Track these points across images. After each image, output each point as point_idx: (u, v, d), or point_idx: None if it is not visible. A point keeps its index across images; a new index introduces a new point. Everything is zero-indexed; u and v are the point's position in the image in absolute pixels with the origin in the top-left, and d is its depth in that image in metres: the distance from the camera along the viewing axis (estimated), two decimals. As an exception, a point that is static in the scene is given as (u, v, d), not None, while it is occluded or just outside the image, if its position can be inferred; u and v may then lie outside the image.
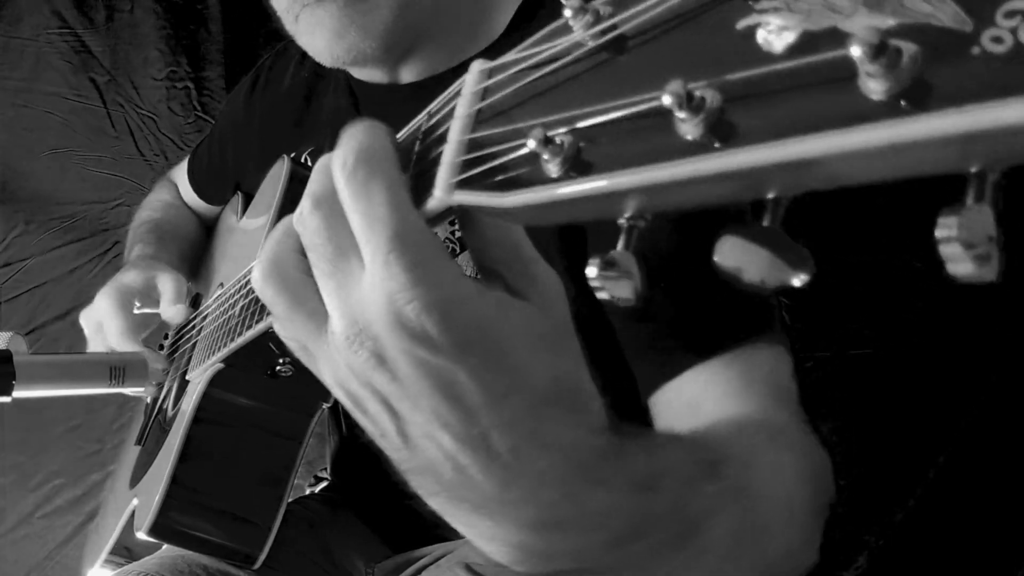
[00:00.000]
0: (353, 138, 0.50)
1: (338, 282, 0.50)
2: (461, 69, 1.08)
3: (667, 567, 0.61)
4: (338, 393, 0.54)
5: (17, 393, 1.11)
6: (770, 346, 0.89)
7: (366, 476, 1.31)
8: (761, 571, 0.70)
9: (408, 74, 1.16)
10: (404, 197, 0.47)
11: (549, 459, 0.51)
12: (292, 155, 1.25)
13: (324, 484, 1.45)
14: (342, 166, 0.49)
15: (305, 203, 0.51)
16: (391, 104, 1.18)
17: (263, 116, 1.42)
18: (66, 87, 2.34)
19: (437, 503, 0.55)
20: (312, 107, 1.33)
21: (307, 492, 1.46)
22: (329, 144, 1.29)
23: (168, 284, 1.32)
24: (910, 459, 1.90)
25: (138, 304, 1.30)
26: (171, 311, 1.29)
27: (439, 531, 1.21)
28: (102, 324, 1.30)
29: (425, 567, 1.16)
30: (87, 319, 1.34)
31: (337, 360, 0.52)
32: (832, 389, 1.94)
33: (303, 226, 0.52)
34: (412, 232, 0.46)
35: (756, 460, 0.71)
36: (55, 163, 2.35)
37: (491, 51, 1.10)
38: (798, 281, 0.35)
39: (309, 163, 1.28)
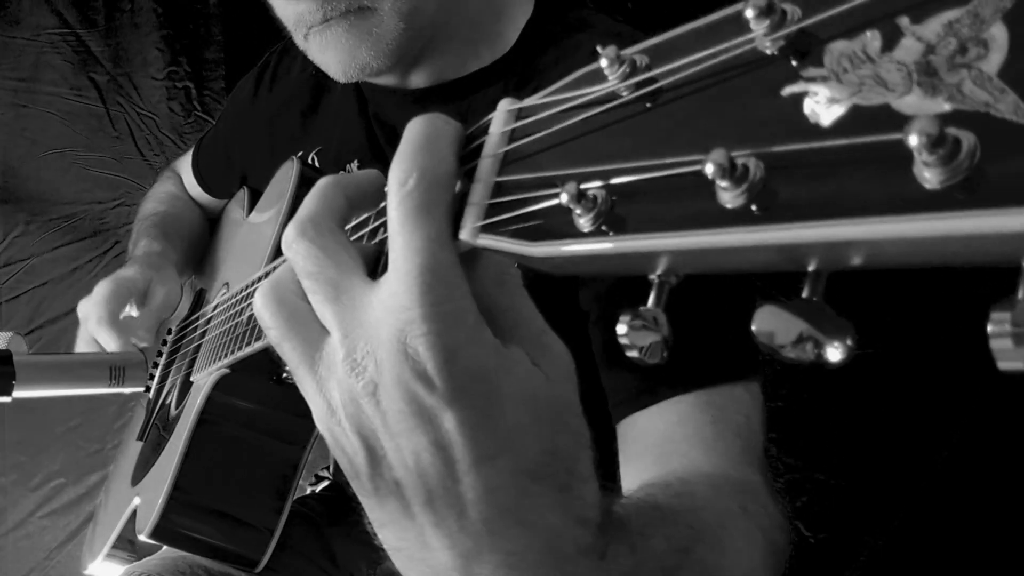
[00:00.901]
0: (421, 153, 0.47)
1: (343, 305, 0.48)
2: (471, 79, 1.08)
3: None
4: (320, 424, 0.51)
5: (17, 393, 1.11)
6: (747, 389, 0.88)
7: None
8: None
9: (418, 80, 1.15)
10: (448, 232, 0.46)
11: (525, 541, 0.47)
12: (300, 155, 1.26)
13: (325, 484, 1.45)
14: (401, 183, 0.47)
15: (292, 230, 0.50)
16: (398, 109, 1.18)
17: (270, 112, 1.42)
18: (66, 87, 2.34)
19: (397, 560, 0.52)
20: (319, 106, 1.33)
21: (308, 492, 1.46)
22: (335, 147, 1.28)
23: (157, 299, 1.32)
24: (911, 459, 1.91)
25: (132, 303, 1.30)
26: (140, 332, 1.29)
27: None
28: (89, 312, 1.29)
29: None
30: (83, 307, 1.33)
31: (330, 386, 0.49)
32: (833, 389, 1.94)
33: (294, 251, 0.50)
34: (445, 269, 0.45)
35: (727, 533, 0.69)
36: (55, 163, 2.34)
37: (502, 65, 1.10)
38: (838, 354, 0.34)
39: (316, 163, 1.29)
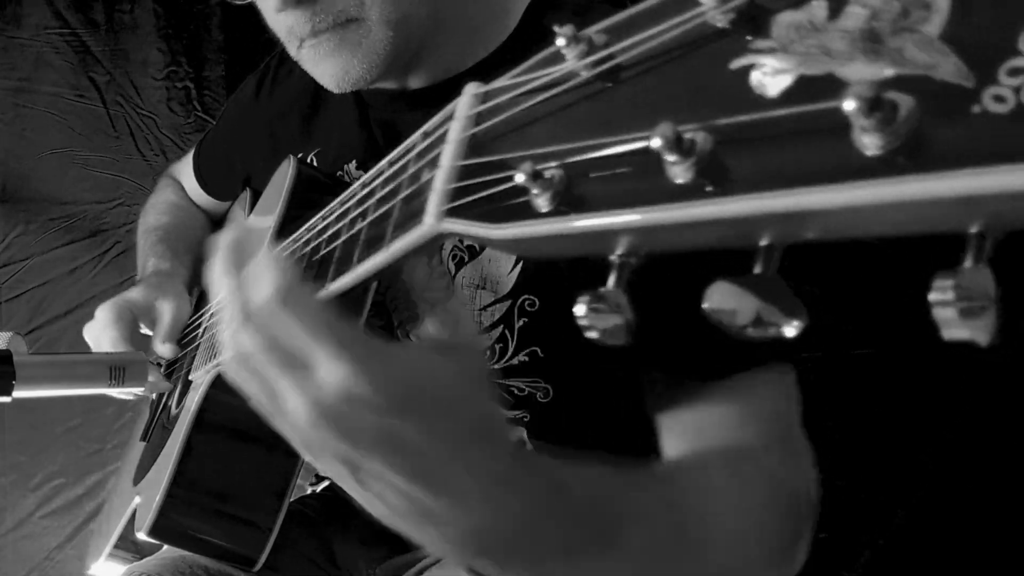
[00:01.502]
0: (266, 281, 0.56)
1: (293, 377, 0.57)
2: (470, 73, 1.09)
3: (594, 559, 0.70)
4: (300, 450, 0.62)
5: (17, 393, 1.11)
6: (776, 373, 0.92)
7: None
8: None
9: (416, 81, 1.15)
10: (326, 315, 0.55)
11: (478, 481, 0.60)
12: (299, 155, 1.25)
13: (325, 484, 1.45)
14: (270, 314, 0.56)
15: (235, 329, 0.59)
16: (398, 111, 1.18)
17: (272, 114, 1.42)
18: (66, 87, 2.34)
19: (391, 523, 0.63)
20: (320, 108, 1.33)
21: (308, 491, 1.46)
22: (334, 148, 1.29)
23: (166, 315, 1.32)
24: (911, 459, 1.90)
25: (142, 324, 1.31)
26: (161, 348, 1.29)
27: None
28: (99, 338, 1.30)
29: (427, 568, 1.16)
30: (89, 332, 1.33)
31: (301, 432, 0.59)
32: (832, 389, 1.93)
33: (239, 343, 0.59)
34: (347, 335, 0.54)
35: (710, 482, 0.82)
36: (55, 163, 2.34)
37: (501, 54, 1.11)
38: (791, 331, 0.34)
39: (315, 164, 1.29)
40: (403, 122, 1.18)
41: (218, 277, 0.62)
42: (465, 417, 0.59)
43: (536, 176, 0.39)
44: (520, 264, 1.05)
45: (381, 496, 0.61)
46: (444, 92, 1.12)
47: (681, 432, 0.93)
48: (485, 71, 1.09)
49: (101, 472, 2.29)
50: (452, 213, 0.46)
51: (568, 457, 0.70)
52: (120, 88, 2.34)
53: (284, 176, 1.19)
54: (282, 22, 1.05)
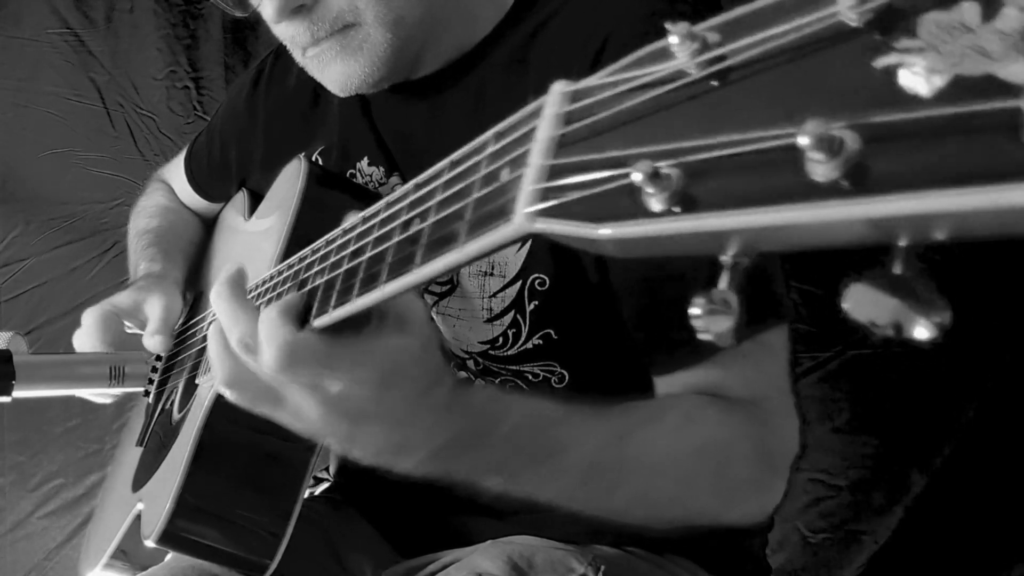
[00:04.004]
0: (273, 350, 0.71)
1: (274, 409, 0.79)
2: (468, 58, 1.12)
3: (531, 476, 0.85)
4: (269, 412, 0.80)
5: (17, 393, 1.11)
6: (773, 333, 0.98)
7: (373, 480, 1.31)
8: (645, 507, 0.93)
9: (418, 72, 1.16)
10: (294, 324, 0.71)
11: (432, 417, 0.77)
12: (305, 155, 1.25)
13: (325, 485, 1.44)
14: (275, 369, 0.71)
15: (224, 388, 0.80)
16: (400, 104, 1.19)
17: (268, 114, 1.41)
18: (66, 87, 2.32)
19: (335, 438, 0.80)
20: (320, 105, 1.32)
21: (307, 494, 1.45)
22: (339, 146, 1.29)
23: (156, 310, 1.30)
24: (910, 459, 1.91)
25: (128, 324, 1.30)
26: (151, 341, 1.27)
27: (447, 535, 1.21)
28: (84, 344, 1.29)
29: (433, 574, 1.16)
30: (78, 339, 1.32)
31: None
32: (832, 389, 1.94)
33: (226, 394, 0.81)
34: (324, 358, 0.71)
35: (663, 422, 0.92)
36: (55, 163, 2.33)
37: (504, 26, 1.12)
38: (931, 332, 0.33)
39: (320, 163, 1.29)
40: (404, 116, 1.19)
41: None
42: (421, 378, 0.74)
43: (654, 175, 0.38)
44: (528, 244, 1.06)
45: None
46: (450, 75, 1.15)
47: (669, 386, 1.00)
48: (490, 45, 1.12)
49: (100, 473, 2.27)
50: (546, 213, 0.45)
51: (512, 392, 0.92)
52: (120, 88, 2.33)
53: (293, 177, 1.19)
54: (283, 31, 1.09)
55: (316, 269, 0.75)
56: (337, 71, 1.09)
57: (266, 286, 0.89)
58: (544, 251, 1.04)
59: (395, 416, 0.75)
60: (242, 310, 0.74)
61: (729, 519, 0.97)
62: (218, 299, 0.76)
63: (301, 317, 0.72)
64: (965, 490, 1.89)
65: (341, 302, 0.68)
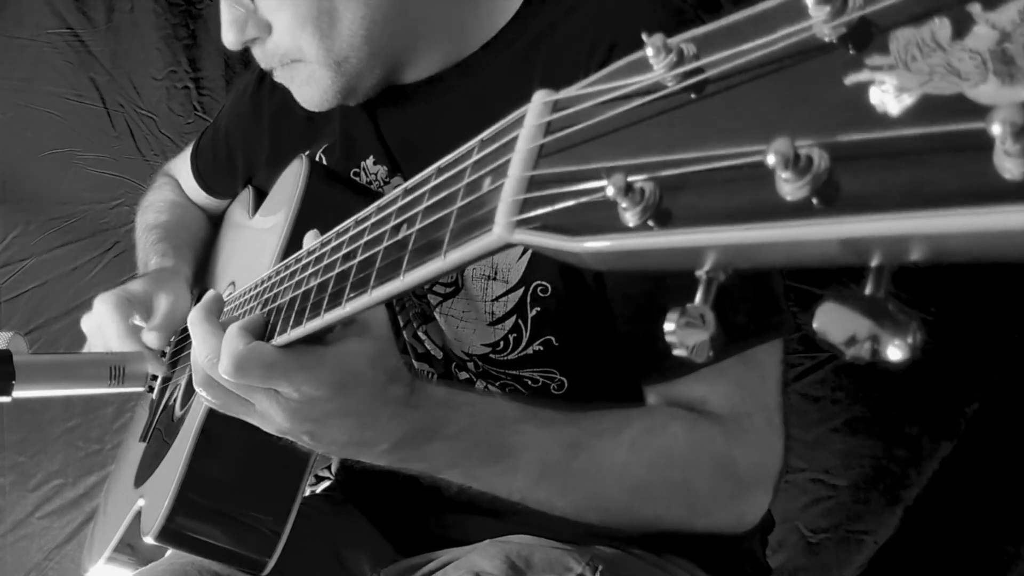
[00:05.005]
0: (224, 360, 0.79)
1: (246, 413, 0.86)
2: (471, 61, 1.13)
3: (486, 472, 0.92)
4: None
5: (17, 393, 1.11)
6: (766, 349, 1.01)
7: (373, 478, 1.31)
8: (598, 512, 0.99)
9: (411, 76, 1.16)
10: (272, 371, 0.78)
11: (389, 411, 0.84)
12: (307, 153, 1.25)
13: (326, 483, 1.44)
14: (231, 373, 0.78)
15: (200, 391, 0.86)
16: (401, 105, 1.19)
17: (273, 112, 1.41)
18: (66, 87, 2.32)
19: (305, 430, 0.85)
20: None
21: (308, 492, 1.45)
22: (344, 144, 1.30)
23: (163, 306, 1.32)
24: (910, 459, 1.91)
25: (136, 315, 1.30)
26: (148, 336, 1.28)
27: (446, 535, 1.21)
28: (101, 327, 1.29)
29: (432, 572, 1.15)
30: (87, 323, 1.33)
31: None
32: (833, 389, 1.94)
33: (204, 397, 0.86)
34: (285, 369, 0.78)
35: (618, 433, 0.96)
36: (55, 163, 2.33)
37: (510, 32, 1.12)
38: (903, 353, 0.32)
39: (324, 162, 1.29)
40: (407, 116, 1.19)
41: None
42: (379, 379, 0.81)
43: (628, 188, 0.38)
44: (529, 251, 1.05)
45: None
46: (440, 87, 1.15)
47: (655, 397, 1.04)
48: (495, 50, 1.13)
49: (100, 472, 2.27)
50: (524, 224, 0.45)
51: (471, 392, 1.00)
52: (120, 88, 2.32)
53: (295, 175, 1.19)
54: (253, 54, 1.16)
55: (287, 284, 0.82)
56: (299, 94, 1.17)
57: (248, 295, 0.95)
58: (546, 258, 1.04)
59: (356, 414, 0.82)
60: (211, 333, 0.83)
61: (699, 526, 1.01)
62: (192, 323, 0.85)
63: (262, 333, 0.82)
64: (965, 490, 1.88)
65: (298, 323, 0.76)
